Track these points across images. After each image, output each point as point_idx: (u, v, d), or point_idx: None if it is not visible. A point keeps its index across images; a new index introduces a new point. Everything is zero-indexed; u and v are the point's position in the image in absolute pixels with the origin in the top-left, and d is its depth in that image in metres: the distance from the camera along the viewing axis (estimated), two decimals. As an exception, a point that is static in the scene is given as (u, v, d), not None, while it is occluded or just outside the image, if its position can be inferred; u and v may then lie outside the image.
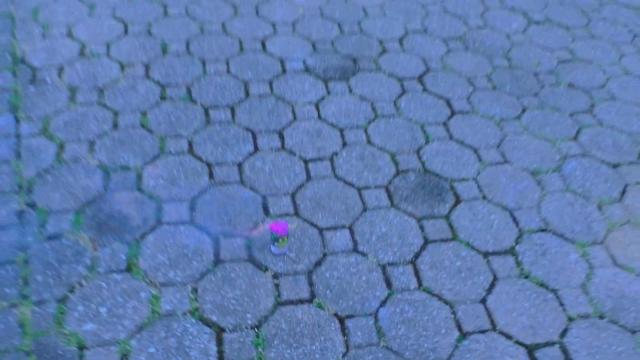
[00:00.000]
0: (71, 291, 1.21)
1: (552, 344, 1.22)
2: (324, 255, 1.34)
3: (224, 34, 2.00)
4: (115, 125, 1.61)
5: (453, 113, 1.79)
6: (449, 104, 1.83)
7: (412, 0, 2.33)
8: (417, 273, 1.32)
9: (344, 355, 1.16)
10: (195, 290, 1.24)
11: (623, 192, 1.58)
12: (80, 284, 1.23)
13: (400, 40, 2.08)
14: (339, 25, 2.12)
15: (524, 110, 1.83)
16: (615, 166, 1.66)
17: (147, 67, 1.82)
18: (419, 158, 1.62)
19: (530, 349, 1.21)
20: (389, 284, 1.29)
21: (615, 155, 1.70)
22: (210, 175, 1.49)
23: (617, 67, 2.06)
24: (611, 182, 1.61)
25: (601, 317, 1.28)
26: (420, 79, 1.92)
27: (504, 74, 1.98)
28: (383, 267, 1.33)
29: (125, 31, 1.96)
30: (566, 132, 1.76)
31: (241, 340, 1.16)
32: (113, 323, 1.17)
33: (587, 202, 1.54)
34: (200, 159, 1.53)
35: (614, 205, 1.54)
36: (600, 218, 1.50)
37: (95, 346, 1.13)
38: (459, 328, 1.23)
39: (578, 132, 1.77)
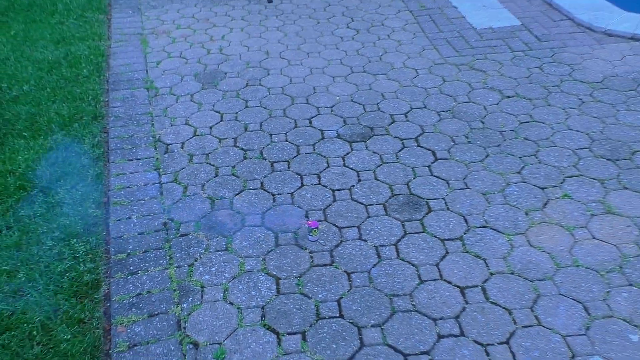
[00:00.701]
0: (195, 260, 2.15)
1: (476, 286, 2.00)
2: (340, 242, 2.21)
3: (284, 117, 3.01)
4: (216, 174, 2.60)
5: (436, 159, 2.66)
6: (434, 154, 2.70)
7: (419, 86, 3.26)
8: (397, 250, 2.16)
9: (348, 291, 2.00)
10: (264, 259, 2.14)
11: (545, 204, 2.36)
12: (200, 257, 2.16)
13: (406, 114, 3.01)
14: (363, 106, 3.08)
15: (487, 156, 2.67)
16: (543, 188, 2.45)
17: (235, 140, 2.83)
18: (408, 187, 2.48)
19: (462, 289, 1.99)
20: (379, 256, 2.14)
21: (545, 182, 2.48)
22: (274, 200, 2.43)
23: (563, 125, 2.86)
24: (538, 198, 2.39)
25: (512, 273, 2.05)
26: (416, 139, 2.81)
27: (477, 133, 2.84)
28: (376, 247, 2.18)
29: (221, 119, 3.01)
30: (514, 168, 2.57)
31: (290, 283, 2.04)
32: (218, 275, 2.08)
33: (518, 210, 2.33)
34: (268, 191, 2.48)
35: (537, 212, 2.32)
36: (525, 219, 2.29)
37: (209, 286, 2.04)
38: (419, 278, 2.04)
39: (522, 168, 2.57)
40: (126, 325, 1.89)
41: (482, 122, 2.91)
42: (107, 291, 2.03)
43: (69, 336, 1.83)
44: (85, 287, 2.01)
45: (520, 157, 2.65)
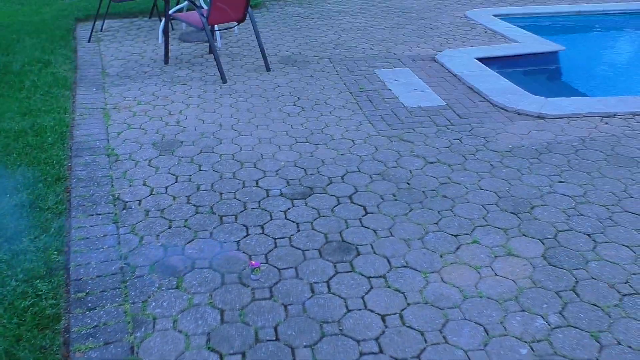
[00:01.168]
0: (148, 297, 2.40)
1: (395, 314, 2.32)
2: (280, 280, 2.51)
3: (233, 179, 3.36)
4: (170, 226, 2.89)
5: (366, 213, 3.04)
6: (365, 209, 3.08)
7: (355, 154, 3.70)
8: (328, 286, 2.47)
9: (284, 319, 2.28)
10: (210, 295, 2.41)
11: (457, 248, 2.74)
12: (153, 294, 2.41)
13: (342, 177, 3.41)
14: (305, 170, 3.48)
15: (410, 210, 3.07)
16: (456, 236, 2.84)
17: (188, 198, 3.15)
18: (340, 235, 2.83)
19: (383, 316, 2.30)
20: (312, 291, 2.44)
21: (458, 230, 2.88)
22: (221, 247, 2.72)
23: (476, 185, 3.32)
24: (451, 243, 2.78)
25: (426, 303, 2.38)
26: (350, 196, 3.19)
27: (404, 192, 3.25)
28: (310, 284, 2.48)
29: (176, 180, 3.34)
30: (432, 220, 2.97)
31: (233, 314, 2.31)
32: (169, 309, 2.33)
33: (434, 254, 2.70)
34: (216, 240, 2.78)
35: (450, 255, 2.70)
36: (439, 260, 2.65)
37: (160, 318, 2.28)
38: (347, 308, 2.34)
39: (439, 220, 2.97)
40: (84, 352, 2.11)
41: (408, 184, 3.34)
42: (66, 324, 2.25)
43: (30, 360, 2.03)
44: (47, 320, 2.23)
45: (438, 211, 3.05)
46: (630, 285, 2.49)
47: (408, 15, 7.51)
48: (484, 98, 4.62)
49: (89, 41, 6.13)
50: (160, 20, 6.44)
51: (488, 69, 5.22)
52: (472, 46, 6.03)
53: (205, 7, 5.97)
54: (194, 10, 5.53)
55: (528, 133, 4.00)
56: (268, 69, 5.33)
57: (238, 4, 5.09)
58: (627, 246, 2.75)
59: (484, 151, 3.73)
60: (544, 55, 5.84)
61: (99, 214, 3.00)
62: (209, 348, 2.14)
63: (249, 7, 5.20)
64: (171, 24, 6.66)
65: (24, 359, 2.03)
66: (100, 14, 6.39)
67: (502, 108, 4.42)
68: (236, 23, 5.41)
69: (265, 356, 2.11)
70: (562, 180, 3.37)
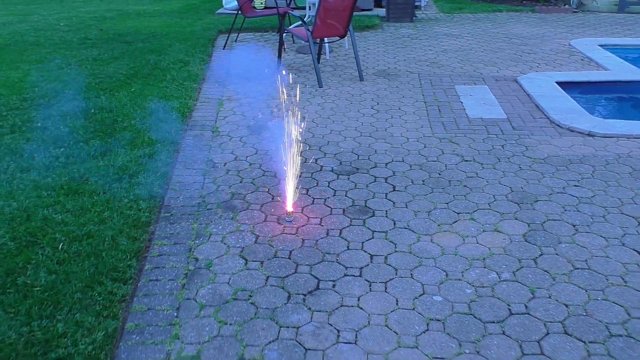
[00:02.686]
0: (211, 222, 3.35)
1: (381, 255, 3.02)
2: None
3: (300, 157, 4.23)
4: (241, 182, 3.83)
5: (394, 190, 3.74)
6: (394, 187, 3.78)
7: (405, 148, 4.39)
8: (341, 231, 3.23)
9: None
10: (253, 226, 3.30)
11: (455, 222, 3.35)
12: (215, 221, 3.36)
13: (386, 164, 4.13)
14: (358, 156, 4.25)
15: (431, 192, 3.71)
16: (458, 213, 3.44)
17: (260, 165, 4.08)
18: (365, 202, 3.57)
19: (371, 256, 3.02)
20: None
21: (462, 209, 3.48)
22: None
23: (496, 181, 3.85)
24: (451, 218, 3.39)
25: (410, 252, 3.05)
26: (386, 178, 3.91)
27: (432, 180, 3.89)
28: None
29: (256, 152, 4.30)
30: (444, 200, 3.59)
31: (264, 239, 3.17)
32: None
33: (434, 223, 3.34)
34: (270, 193, 3.66)
35: (445, 225, 3.32)
36: (435, 228, 3.29)
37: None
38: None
39: (450, 201, 3.59)
40: (159, 246, 3.09)
41: (439, 174, 3.98)
42: (153, 229, 3.26)
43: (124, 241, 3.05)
44: (141, 224, 3.26)
45: (454, 195, 3.67)
46: (586, 263, 2.95)
47: (512, 41, 7.94)
48: (545, 115, 5.05)
49: (223, 48, 7.44)
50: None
51: (562, 91, 5.59)
52: (559, 71, 6.38)
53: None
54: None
55: (570, 147, 4.40)
56: (361, 79, 6.18)
57: (339, 22, 6.01)
58: (603, 237, 3.18)
59: (519, 157, 4.23)
60: (630, 84, 6.01)
61: (194, 169, 4.04)
62: (240, 255, 3.02)
63: (350, 25, 6.10)
64: (293, 37, 7.78)
65: (121, 243, 3.06)
66: (236, 28, 7.69)
67: (557, 124, 4.83)
68: (339, 38, 6.34)
69: (276, 266, 2.93)
70: (578, 185, 3.79)
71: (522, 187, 3.76)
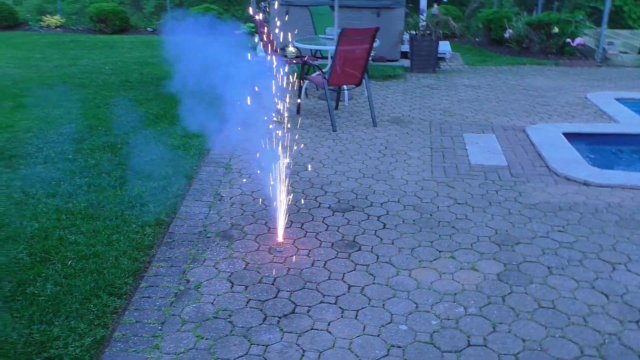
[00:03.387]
0: (208, 249, 3.63)
1: (358, 286, 3.22)
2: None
3: (301, 193, 4.51)
4: (242, 214, 4.12)
5: (384, 228, 3.95)
6: (384, 225, 4.00)
7: (401, 190, 4.62)
8: (326, 262, 3.46)
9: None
10: (245, 254, 3.56)
11: (435, 259, 3.53)
12: (211, 248, 3.64)
13: (382, 204, 4.36)
14: (356, 195, 4.50)
15: (419, 231, 3.91)
16: (440, 251, 3.63)
17: (262, 200, 4.37)
18: (354, 237, 3.80)
19: (349, 286, 3.23)
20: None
21: (444, 248, 3.66)
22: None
23: (484, 223, 4.03)
24: (433, 255, 3.57)
25: (387, 285, 3.25)
26: (378, 217, 4.14)
27: (423, 220, 4.10)
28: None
29: (261, 188, 4.60)
30: (429, 239, 3.78)
31: (253, 266, 3.42)
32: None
33: (415, 259, 3.53)
34: (267, 225, 3.93)
35: (426, 262, 3.50)
36: (416, 263, 3.48)
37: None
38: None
39: (435, 240, 3.78)
40: (157, 268, 3.39)
41: (431, 215, 4.18)
42: (154, 252, 3.56)
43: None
44: (144, 247, 3.57)
45: (439, 235, 3.86)
46: (552, 303, 3.08)
47: (529, 93, 8.14)
48: (545, 164, 5.21)
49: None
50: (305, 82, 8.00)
51: (566, 141, 5.74)
52: (570, 122, 6.53)
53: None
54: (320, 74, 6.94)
55: (564, 194, 4.54)
56: (375, 125, 6.48)
57: (355, 70, 6.37)
58: (575, 280, 3.30)
59: (511, 202, 4.40)
60: (637, 137, 6.11)
61: (202, 201, 4.36)
62: (228, 279, 3.28)
63: (365, 74, 6.46)
64: (316, 85, 8.18)
65: (123, 262, 3.37)
66: (263, 73, 8.15)
67: (555, 173, 4.98)
68: (354, 86, 6.69)
69: (258, 290, 3.18)
70: (562, 230, 3.93)
71: (506, 230, 3.93)
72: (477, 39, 13.35)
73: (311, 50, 7.96)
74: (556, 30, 11.16)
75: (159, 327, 2.84)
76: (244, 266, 3.44)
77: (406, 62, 10.15)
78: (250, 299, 3.10)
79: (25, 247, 3.55)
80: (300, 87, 6.92)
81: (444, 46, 10.98)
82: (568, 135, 5.96)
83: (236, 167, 5.10)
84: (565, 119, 6.71)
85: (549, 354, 2.67)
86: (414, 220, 4.08)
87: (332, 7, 8.06)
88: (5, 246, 3.56)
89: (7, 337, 2.70)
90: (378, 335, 2.81)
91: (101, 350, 2.66)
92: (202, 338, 2.77)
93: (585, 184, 4.74)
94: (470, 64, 10.59)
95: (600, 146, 6.05)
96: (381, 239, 3.79)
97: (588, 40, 11.67)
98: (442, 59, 10.73)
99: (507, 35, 11.94)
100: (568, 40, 11.12)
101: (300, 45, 7.42)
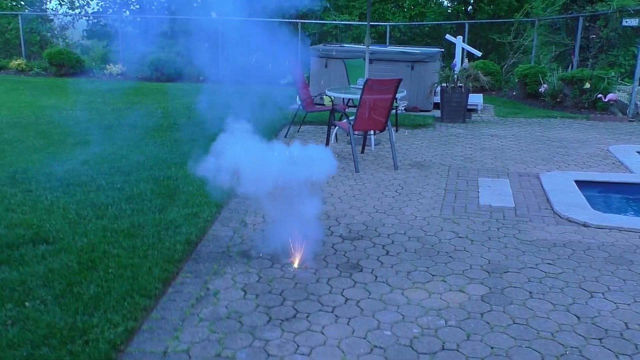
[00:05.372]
0: (228, 265, 4.16)
1: (351, 299, 3.66)
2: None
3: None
4: (263, 237, 4.65)
5: (386, 254, 4.39)
6: (387, 252, 4.44)
7: (409, 223, 5.06)
8: (329, 280, 3.92)
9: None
10: (260, 271, 4.07)
11: (427, 282, 3.94)
12: (231, 264, 4.17)
13: (388, 235, 4.81)
14: (367, 227, 4.96)
15: (418, 259, 4.33)
16: (433, 275, 4.03)
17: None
18: (358, 261, 4.25)
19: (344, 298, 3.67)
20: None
21: (438, 273, 4.06)
22: (283, 252, 4.38)
23: (479, 254, 4.41)
24: (426, 278, 3.98)
25: (381, 300, 3.67)
26: (383, 245, 4.58)
27: (425, 250, 4.52)
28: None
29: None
30: (426, 265, 4.19)
31: (265, 280, 3.91)
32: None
33: (410, 281, 3.95)
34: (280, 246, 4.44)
35: (420, 284, 3.91)
36: (410, 284, 3.89)
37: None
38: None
39: (431, 266, 4.18)
40: (184, 277, 3.93)
41: (432, 246, 4.60)
42: (182, 266, 4.11)
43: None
44: (174, 260, 4.13)
45: (436, 262, 4.27)
46: (526, 320, 3.43)
47: (552, 143, 8.48)
48: (550, 207, 5.54)
49: (285, 137, 8.56)
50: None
51: (576, 188, 6.06)
52: (584, 171, 6.84)
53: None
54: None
55: (561, 233, 4.87)
56: (396, 168, 6.97)
57: (379, 117, 6.93)
58: (552, 304, 3.64)
59: (510, 237, 4.77)
60: (649, 187, 6.35)
61: (229, 226, 4.93)
62: (242, 289, 3.78)
63: (389, 120, 7.00)
64: (344, 130, 8.78)
65: (155, 272, 3.93)
66: (297, 121, 8.83)
67: (557, 215, 5.31)
68: (379, 131, 7.24)
69: (267, 299, 3.66)
70: (551, 263, 4.26)
71: (499, 261, 4.29)
72: (513, 93, 13.78)
73: (343, 99, 8.61)
74: (587, 86, 11.50)
75: (180, 323, 3.36)
76: (257, 279, 3.94)
77: (437, 113, 10.67)
78: (259, 305, 3.59)
79: (75, 257, 4.16)
80: (329, 132, 7.52)
81: (476, 98, 11.47)
82: (580, 183, 6.27)
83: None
84: (581, 168, 7.02)
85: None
86: (415, 250, 4.51)
87: (371, 60, 8.74)
88: (58, 255, 4.18)
89: (55, 324, 3.26)
90: (364, 338, 3.24)
91: (131, 337, 3.19)
92: (215, 332, 3.26)
93: (585, 225, 5.05)
94: (501, 115, 11.01)
95: (610, 194, 6.33)
96: (382, 263, 4.23)
97: (621, 95, 11.93)
98: (474, 110, 11.19)
99: (542, 89, 12.34)
100: (600, 95, 11.41)
101: (333, 94, 8.07)
